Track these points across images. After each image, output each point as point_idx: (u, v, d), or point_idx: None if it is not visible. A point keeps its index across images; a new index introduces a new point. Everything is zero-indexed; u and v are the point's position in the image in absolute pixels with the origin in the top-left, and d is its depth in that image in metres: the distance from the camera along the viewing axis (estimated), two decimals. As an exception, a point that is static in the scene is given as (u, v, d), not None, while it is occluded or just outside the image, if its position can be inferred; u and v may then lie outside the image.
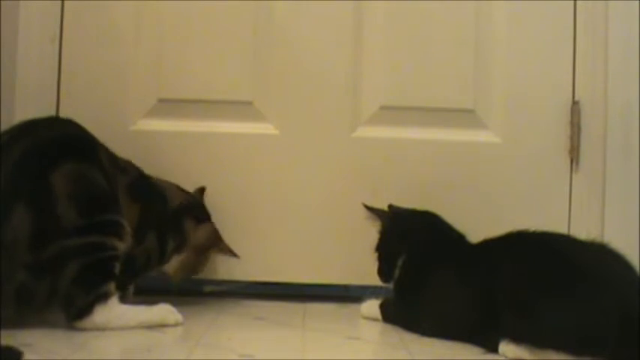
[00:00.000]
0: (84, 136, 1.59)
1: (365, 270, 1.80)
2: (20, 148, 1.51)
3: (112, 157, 1.64)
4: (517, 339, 1.34)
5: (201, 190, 1.85)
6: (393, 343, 1.54)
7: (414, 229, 1.71)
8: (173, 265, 1.73)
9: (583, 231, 1.82)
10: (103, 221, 1.51)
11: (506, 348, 1.36)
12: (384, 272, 1.72)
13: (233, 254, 1.79)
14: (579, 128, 1.89)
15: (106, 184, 1.53)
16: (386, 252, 1.72)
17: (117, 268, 1.51)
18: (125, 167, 1.67)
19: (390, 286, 1.70)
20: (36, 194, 1.47)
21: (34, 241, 1.44)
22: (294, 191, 1.89)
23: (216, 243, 1.78)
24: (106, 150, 1.63)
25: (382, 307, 1.68)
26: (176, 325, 1.55)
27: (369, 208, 1.77)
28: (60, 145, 1.53)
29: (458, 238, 1.67)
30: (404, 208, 1.77)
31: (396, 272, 1.68)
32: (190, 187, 1.84)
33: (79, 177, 1.50)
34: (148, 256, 1.67)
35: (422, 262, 1.64)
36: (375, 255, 1.74)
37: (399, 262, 1.67)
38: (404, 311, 1.63)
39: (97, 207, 1.51)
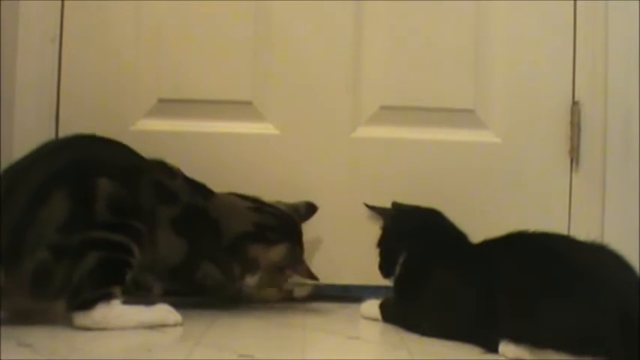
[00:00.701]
0: (134, 162, 1.64)
1: (365, 270, 1.80)
2: (67, 157, 1.58)
3: (162, 184, 1.65)
4: (517, 339, 1.34)
5: (309, 207, 1.82)
6: (393, 342, 1.54)
7: (415, 226, 1.71)
8: (251, 281, 1.71)
9: (583, 231, 1.81)
10: (131, 225, 1.54)
11: (506, 348, 1.36)
12: (384, 268, 1.72)
13: (312, 278, 1.74)
14: (579, 128, 1.89)
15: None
16: (387, 249, 1.72)
17: (128, 275, 1.53)
18: (176, 194, 1.66)
19: (391, 282, 1.70)
20: (79, 186, 1.51)
21: (66, 225, 1.48)
22: (294, 191, 1.89)
23: (291, 264, 1.73)
24: (156, 176, 1.65)
25: (382, 306, 1.68)
26: (175, 325, 1.55)
27: (370, 207, 1.77)
28: (110, 163, 1.58)
29: (459, 237, 1.67)
30: (407, 205, 1.77)
31: (397, 269, 1.68)
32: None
33: (120, 187, 1.54)
34: (215, 280, 1.68)
35: (422, 261, 1.64)
36: (377, 251, 1.74)
37: (400, 260, 1.67)
38: (404, 310, 1.62)
39: (129, 212, 1.54)
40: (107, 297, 1.48)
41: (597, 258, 1.40)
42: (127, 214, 1.54)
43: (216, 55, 1.91)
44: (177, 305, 1.57)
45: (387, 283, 1.72)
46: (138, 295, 1.61)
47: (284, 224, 1.76)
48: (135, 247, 1.54)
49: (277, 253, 1.72)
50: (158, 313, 1.54)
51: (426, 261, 1.63)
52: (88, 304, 1.47)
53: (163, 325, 1.53)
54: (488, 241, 1.56)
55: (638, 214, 1.86)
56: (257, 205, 1.76)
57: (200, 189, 1.73)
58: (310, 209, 1.83)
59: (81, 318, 1.47)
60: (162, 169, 1.69)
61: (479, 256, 1.55)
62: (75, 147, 1.62)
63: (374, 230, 1.76)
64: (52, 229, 1.48)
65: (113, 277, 1.51)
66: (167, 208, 1.64)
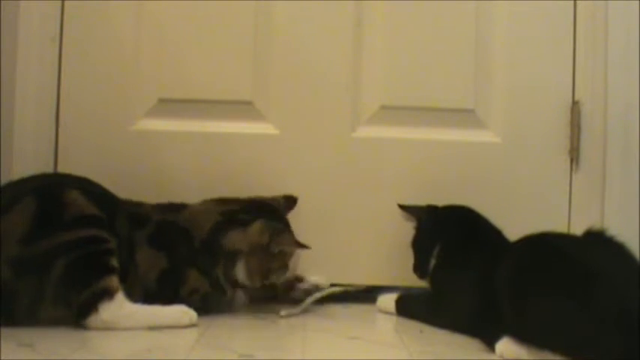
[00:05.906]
0: (110, 195, 1.64)
1: (366, 270, 1.79)
2: (41, 179, 1.61)
3: (134, 211, 1.64)
4: (515, 338, 1.34)
5: (288, 199, 1.78)
6: (393, 343, 1.54)
7: (448, 223, 1.73)
8: (243, 278, 1.67)
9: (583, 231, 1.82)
10: (98, 217, 1.51)
11: (504, 347, 1.36)
12: (419, 268, 1.74)
13: (301, 246, 1.66)
14: (579, 128, 1.89)
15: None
16: (421, 247, 1.74)
17: (113, 261, 1.48)
18: (147, 216, 1.65)
19: (427, 283, 1.72)
20: (47, 195, 1.50)
21: (29, 234, 1.45)
22: (294, 191, 1.89)
23: (274, 238, 1.65)
24: (128, 207, 1.64)
25: (398, 302, 1.71)
26: (190, 324, 1.53)
27: (403, 208, 1.78)
28: (85, 185, 1.58)
29: (484, 233, 1.69)
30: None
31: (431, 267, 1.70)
32: (189, 188, 1.85)
33: (90, 202, 1.52)
34: (203, 294, 1.64)
35: (450, 257, 1.67)
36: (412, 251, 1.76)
37: (433, 259, 1.70)
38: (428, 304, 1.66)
39: (95, 206, 1.52)
40: (106, 294, 1.45)
41: (599, 257, 1.39)
42: (97, 210, 1.51)
43: (216, 55, 1.91)
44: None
45: (388, 283, 1.72)
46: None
47: (251, 205, 1.71)
48: (103, 232, 1.49)
49: (255, 230, 1.66)
50: (172, 315, 1.52)
51: (452, 256, 1.66)
52: (88, 308, 1.45)
53: (177, 326, 1.51)
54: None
55: (638, 214, 1.86)
56: (223, 199, 1.73)
57: (170, 206, 1.70)
58: (290, 200, 1.79)
59: (88, 323, 1.45)
60: (129, 202, 1.67)
61: (488, 255, 1.56)
62: (53, 175, 1.65)
63: (373, 230, 1.76)
64: (12, 242, 1.45)
65: (94, 270, 1.46)
66: (142, 231, 1.62)
